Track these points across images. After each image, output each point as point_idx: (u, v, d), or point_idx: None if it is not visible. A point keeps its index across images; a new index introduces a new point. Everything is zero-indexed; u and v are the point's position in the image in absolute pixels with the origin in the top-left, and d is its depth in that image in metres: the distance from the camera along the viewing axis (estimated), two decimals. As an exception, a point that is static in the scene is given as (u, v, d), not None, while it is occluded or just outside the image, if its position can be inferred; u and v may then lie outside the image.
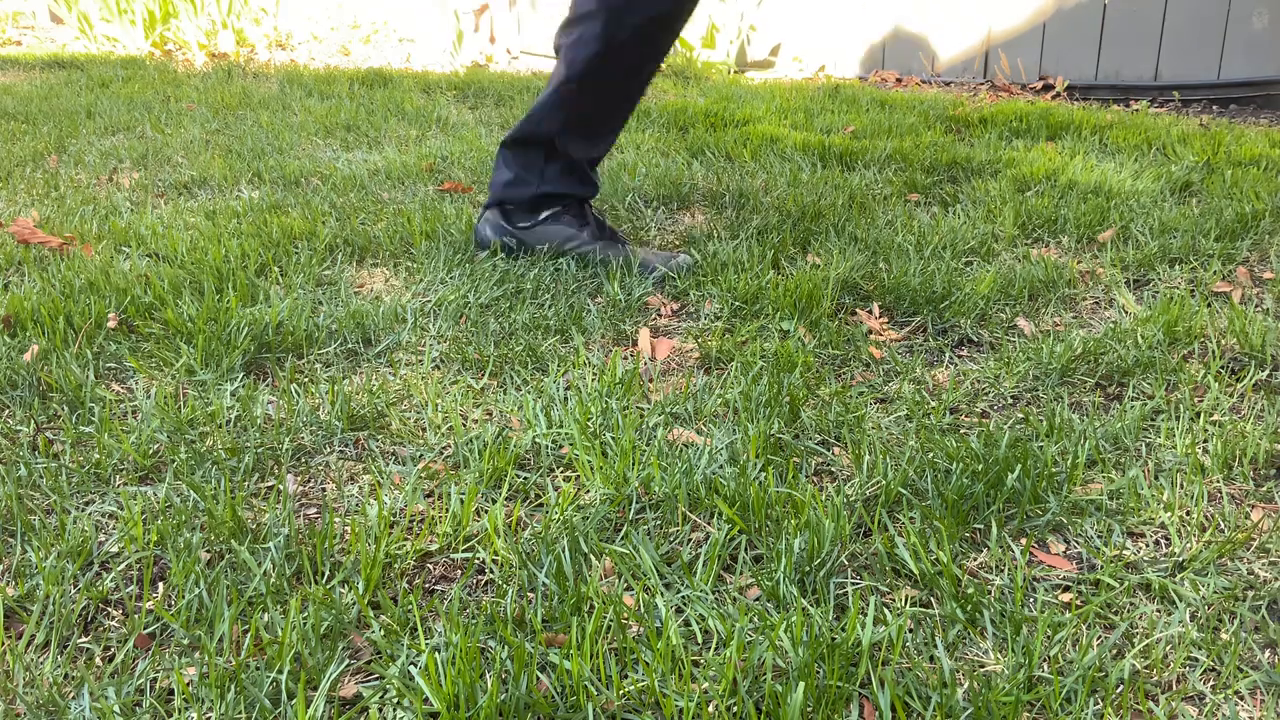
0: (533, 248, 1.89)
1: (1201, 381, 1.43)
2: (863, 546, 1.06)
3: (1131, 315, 1.66)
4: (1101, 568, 1.02)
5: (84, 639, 0.93)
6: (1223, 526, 1.09)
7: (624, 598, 0.97)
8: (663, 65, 4.66)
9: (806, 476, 1.19)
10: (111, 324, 1.57)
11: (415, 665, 0.88)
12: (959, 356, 1.56)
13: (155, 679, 0.88)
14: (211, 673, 0.85)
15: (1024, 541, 1.06)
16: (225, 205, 2.27)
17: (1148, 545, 1.07)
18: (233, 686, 0.84)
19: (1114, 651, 0.91)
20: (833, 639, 0.89)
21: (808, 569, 1.00)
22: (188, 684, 0.86)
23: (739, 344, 1.55)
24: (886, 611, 0.96)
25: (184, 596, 0.96)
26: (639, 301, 1.72)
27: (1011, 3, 4.18)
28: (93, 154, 2.81)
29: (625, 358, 1.52)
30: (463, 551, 1.06)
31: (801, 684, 0.82)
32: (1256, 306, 1.72)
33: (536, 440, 1.25)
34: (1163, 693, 0.87)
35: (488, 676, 0.87)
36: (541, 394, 1.37)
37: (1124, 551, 1.05)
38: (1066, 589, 1.00)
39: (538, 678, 0.87)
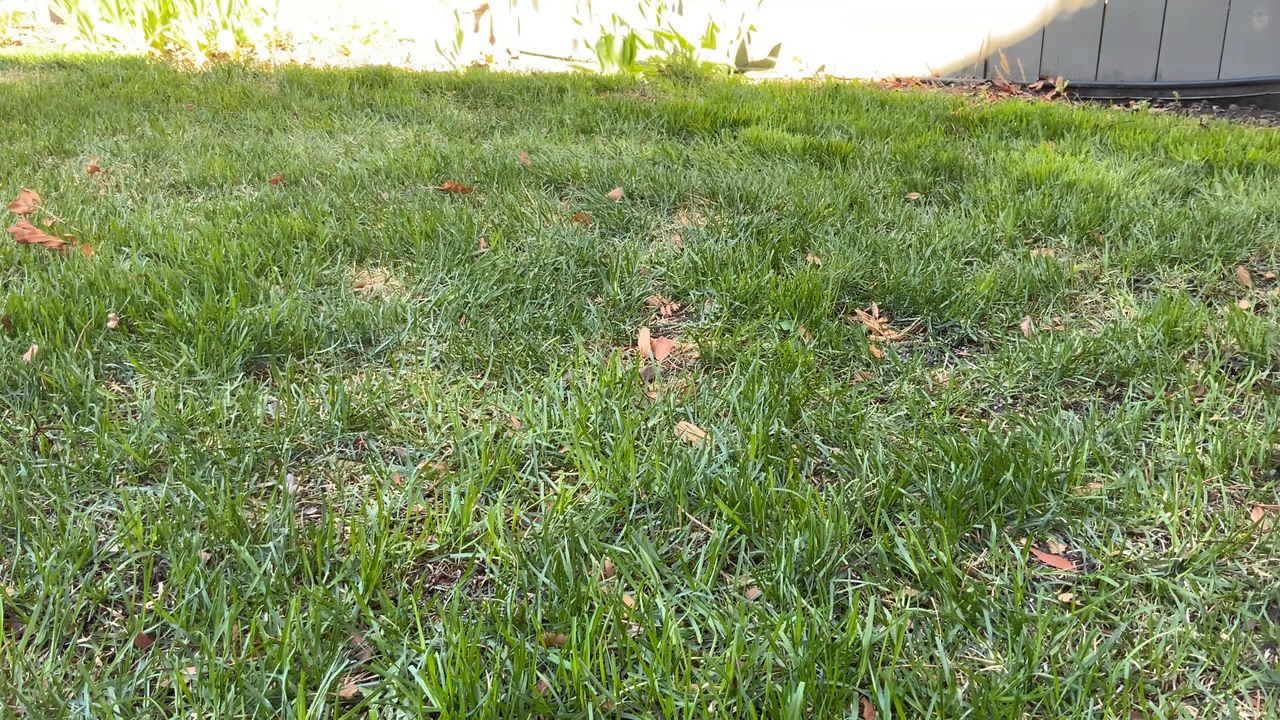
0: None
1: (1201, 381, 1.43)
2: (863, 546, 1.06)
3: (1131, 316, 1.66)
4: (1101, 568, 1.02)
5: (84, 639, 0.93)
6: (1223, 526, 1.09)
7: (624, 598, 0.97)
8: (663, 64, 4.66)
9: (806, 476, 1.19)
10: (111, 324, 1.57)
11: (415, 665, 0.87)
12: (959, 356, 1.56)
13: (155, 679, 0.88)
14: (211, 673, 0.85)
15: (1024, 541, 1.06)
16: (225, 205, 2.27)
17: (1148, 545, 1.07)
18: (233, 686, 0.84)
19: (1114, 651, 0.91)
20: (833, 639, 0.89)
21: (808, 569, 1.00)
22: (188, 684, 0.86)
23: (739, 344, 1.55)
24: (886, 611, 0.96)
25: (184, 596, 0.96)
26: (639, 301, 1.72)
27: (1012, 3, 4.18)
28: (93, 154, 2.81)
29: (625, 358, 1.52)
30: (463, 551, 1.06)
31: (801, 684, 0.82)
32: (1258, 307, 1.72)
33: (536, 440, 1.25)
34: (1163, 693, 0.87)
35: (488, 676, 0.87)
36: (542, 394, 1.37)
37: (1124, 551, 1.05)
38: (1066, 589, 1.00)
39: (538, 678, 0.87)
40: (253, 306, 1.65)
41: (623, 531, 1.08)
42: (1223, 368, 1.48)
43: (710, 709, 0.83)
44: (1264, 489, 1.17)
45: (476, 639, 0.89)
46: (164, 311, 1.60)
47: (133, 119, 3.32)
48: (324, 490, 1.17)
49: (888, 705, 0.83)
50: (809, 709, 0.83)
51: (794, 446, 1.25)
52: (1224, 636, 0.93)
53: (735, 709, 0.83)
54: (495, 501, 1.14)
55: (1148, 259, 1.92)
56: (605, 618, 0.93)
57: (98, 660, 0.90)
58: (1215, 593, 0.98)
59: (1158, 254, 1.94)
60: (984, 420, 1.34)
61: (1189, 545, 1.06)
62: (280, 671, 0.86)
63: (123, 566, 1.02)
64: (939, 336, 1.62)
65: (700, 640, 0.92)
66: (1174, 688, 0.87)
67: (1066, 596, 0.99)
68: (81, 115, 3.37)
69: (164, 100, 3.72)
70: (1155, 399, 1.37)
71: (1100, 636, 0.93)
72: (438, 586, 1.01)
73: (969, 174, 2.60)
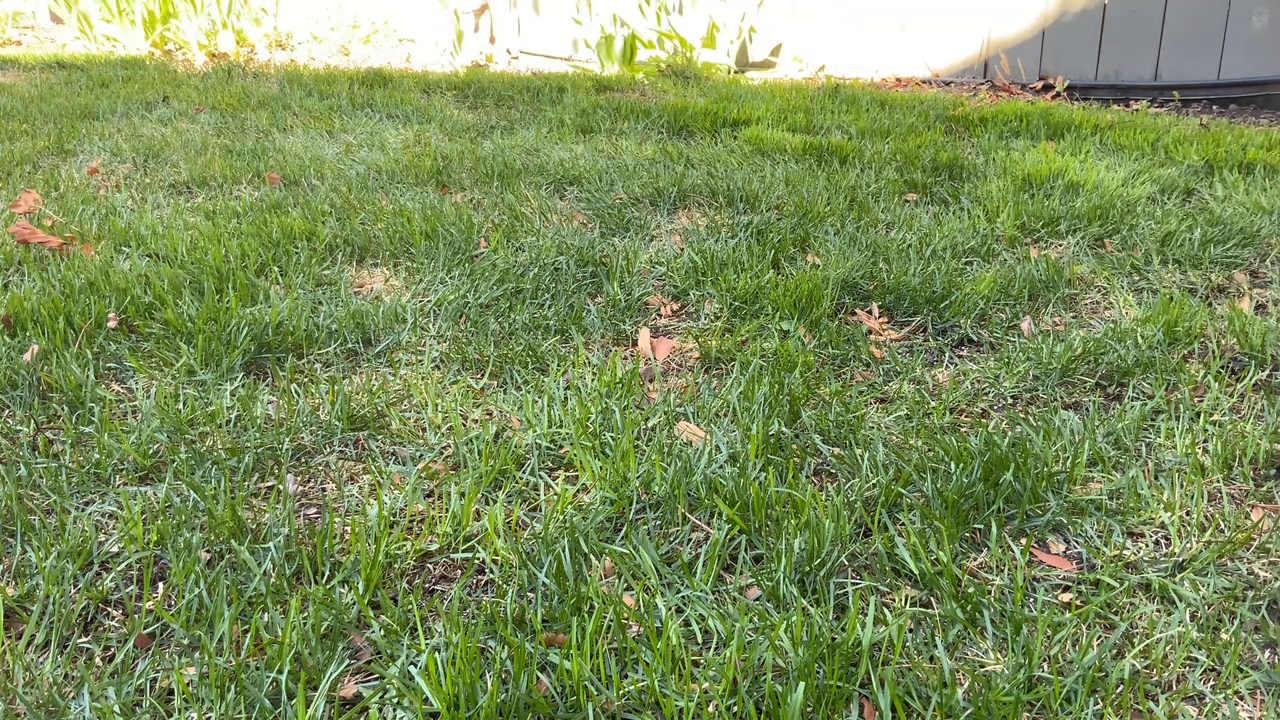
0: None
1: (1201, 381, 1.43)
2: (863, 546, 1.06)
3: (1131, 317, 1.66)
4: (1101, 568, 1.02)
5: (84, 639, 0.93)
6: (1223, 526, 1.09)
7: (624, 598, 0.97)
8: (663, 65, 4.66)
9: (806, 476, 1.19)
10: (111, 324, 1.57)
11: (415, 665, 0.87)
12: (959, 356, 1.56)
13: (155, 679, 0.88)
14: (211, 673, 0.85)
15: (1024, 541, 1.06)
16: (225, 205, 2.27)
17: (1148, 545, 1.07)
18: (233, 686, 0.84)
19: (1114, 651, 0.91)
20: (833, 639, 0.89)
21: (808, 569, 1.00)
22: (188, 684, 0.86)
23: (739, 344, 1.55)
24: (886, 611, 0.96)
25: (184, 596, 0.96)
26: (639, 301, 1.72)
27: (1012, 4, 4.18)
28: (93, 154, 2.81)
29: (625, 358, 1.52)
30: (463, 551, 1.06)
31: (801, 684, 0.82)
32: (1258, 307, 1.72)
33: (536, 440, 1.25)
34: (1163, 693, 0.87)
35: (488, 676, 0.87)
36: (542, 394, 1.37)
37: (1124, 551, 1.05)
38: (1066, 589, 1.00)
39: (538, 678, 0.87)
40: (253, 306, 1.65)
41: (623, 531, 1.08)
42: (1223, 368, 1.48)
43: (710, 709, 0.83)
44: (1264, 489, 1.17)
45: (476, 639, 0.89)
46: (164, 311, 1.60)
47: (133, 119, 3.32)
48: (324, 490, 1.17)
49: (888, 705, 0.83)
50: (809, 709, 0.83)
51: (794, 446, 1.25)
52: (1224, 636, 0.93)
53: (735, 709, 0.83)
54: (495, 501, 1.14)
55: (1148, 259, 1.92)
56: (605, 618, 0.93)
57: (98, 660, 0.90)
58: (1215, 593, 0.98)
59: (1158, 254, 1.94)
60: (984, 420, 1.34)
61: (1189, 545, 1.06)
62: (280, 671, 0.86)
63: (123, 566, 1.02)
64: (939, 336, 1.62)
65: (700, 640, 0.92)
66: (1174, 688, 0.87)
67: (1066, 596, 0.99)
68: (82, 115, 3.37)
69: (164, 100, 3.72)
70: (1155, 399, 1.37)
71: (1100, 636, 0.93)
72: (438, 586, 1.01)
73: (969, 174, 2.60)
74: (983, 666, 0.89)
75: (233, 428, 1.29)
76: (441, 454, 1.24)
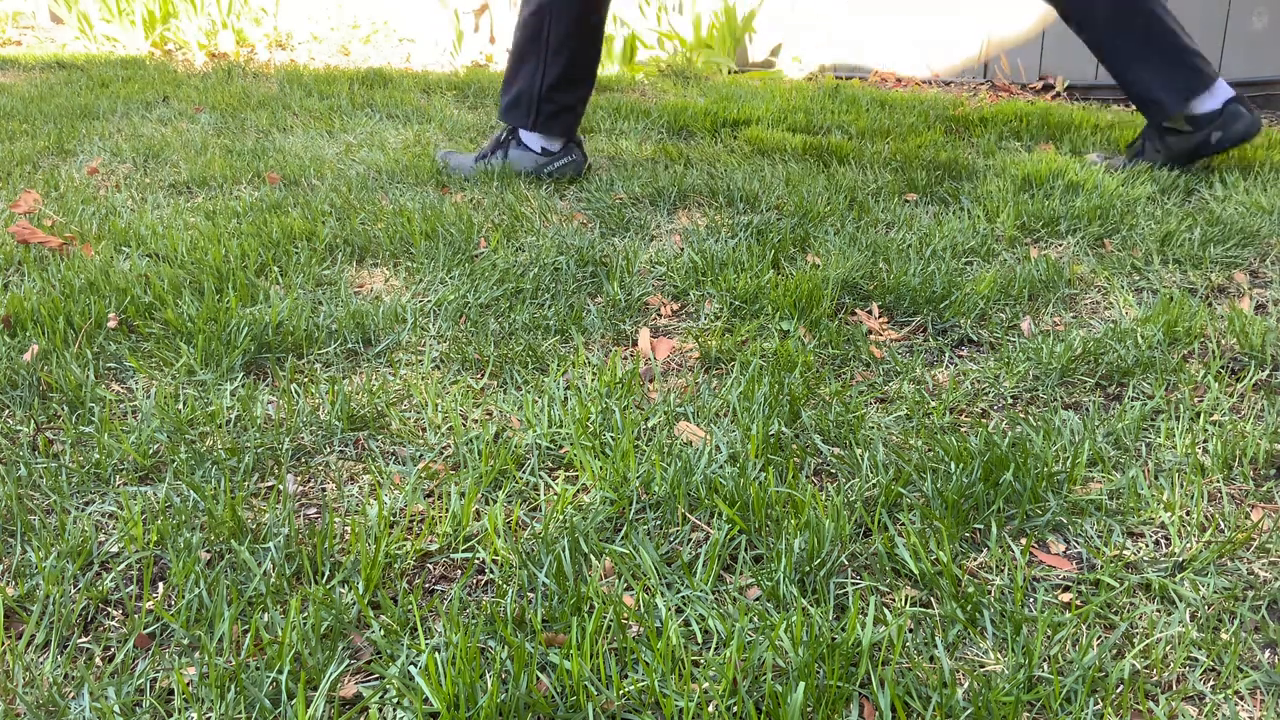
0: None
1: (1201, 381, 1.43)
2: (863, 546, 1.06)
3: (1131, 317, 1.66)
4: (1101, 568, 1.02)
5: (84, 639, 0.93)
6: (1223, 526, 1.09)
7: (624, 598, 0.97)
8: (663, 65, 4.66)
9: (806, 476, 1.19)
10: (111, 324, 1.57)
11: (415, 665, 0.88)
12: (959, 356, 1.56)
13: (155, 679, 0.88)
14: (211, 673, 0.85)
15: (1024, 541, 1.06)
16: (225, 205, 2.27)
17: (1148, 545, 1.07)
18: (233, 686, 0.84)
19: (1114, 651, 0.91)
20: (833, 639, 0.89)
21: (808, 569, 1.00)
22: (188, 684, 0.86)
23: (739, 344, 1.55)
24: (886, 611, 0.96)
25: (184, 596, 0.96)
26: (639, 301, 1.72)
27: (1013, 5, 4.18)
28: (93, 154, 2.81)
29: (625, 358, 1.52)
30: (463, 551, 1.06)
31: (801, 684, 0.82)
32: (1258, 307, 1.72)
33: (536, 440, 1.25)
34: (1163, 693, 0.87)
35: (488, 676, 0.87)
36: (542, 394, 1.37)
37: (1124, 551, 1.05)
38: (1066, 589, 1.00)
39: (538, 678, 0.87)
40: (253, 306, 1.65)
41: (623, 531, 1.08)
42: (1223, 368, 1.48)
43: (710, 709, 0.83)
44: (1264, 489, 1.17)
45: (476, 639, 0.89)
46: (164, 311, 1.60)
47: (133, 119, 3.32)
48: (324, 490, 1.17)
49: (888, 705, 0.83)
50: (809, 709, 0.83)
51: (794, 446, 1.25)
52: (1224, 636, 0.93)
53: (735, 709, 0.83)
54: (495, 501, 1.14)
55: (1147, 259, 1.92)
56: (605, 618, 0.93)
57: (98, 660, 0.90)
58: (1215, 593, 0.98)
59: (1158, 254, 1.94)
60: (984, 420, 1.34)
61: (1189, 545, 1.06)
62: (280, 671, 0.86)
63: (123, 566, 1.02)
64: (939, 336, 1.62)
65: (700, 640, 0.92)
66: (1174, 688, 0.87)
67: (1066, 596, 0.99)
68: (82, 115, 3.37)
69: (164, 100, 3.72)
70: (1155, 399, 1.37)
71: (1100, 636, 0.93)
72: (438, 586, 1.01)
73: (969, 174, 2.60)
74: (983, 666, 0.89)
75: (233, 428, 1.29)
76: (441, 454, 1.24)
